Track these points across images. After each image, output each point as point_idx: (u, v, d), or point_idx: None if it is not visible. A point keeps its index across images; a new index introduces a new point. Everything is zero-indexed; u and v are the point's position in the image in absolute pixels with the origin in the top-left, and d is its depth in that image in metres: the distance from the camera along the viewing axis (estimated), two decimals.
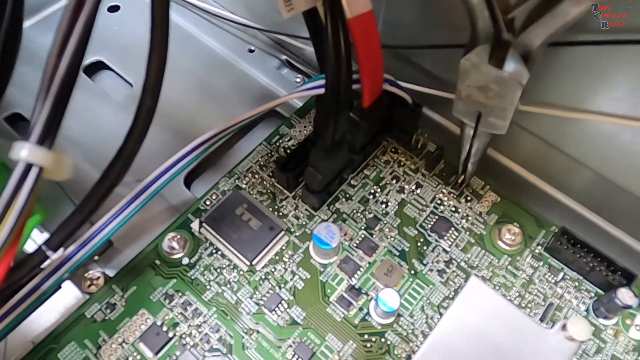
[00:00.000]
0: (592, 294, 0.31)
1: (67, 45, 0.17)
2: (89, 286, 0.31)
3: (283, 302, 0.30)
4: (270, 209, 0.33)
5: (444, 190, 0.34)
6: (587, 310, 0.30)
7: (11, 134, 0.38)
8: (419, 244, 0.32)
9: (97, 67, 0.43)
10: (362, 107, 0.30)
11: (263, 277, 0.31)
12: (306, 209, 0.33)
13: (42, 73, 0.18)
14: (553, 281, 0.31)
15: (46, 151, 0.17)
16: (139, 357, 0.28)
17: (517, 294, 0.31)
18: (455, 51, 0.31)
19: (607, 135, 0.28)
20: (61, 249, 0.26)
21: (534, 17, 0.22)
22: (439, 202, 0.34)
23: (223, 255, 0.31)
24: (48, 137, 0.18)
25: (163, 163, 0.31)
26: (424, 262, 0.31)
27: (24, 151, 0.17)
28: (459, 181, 0.34)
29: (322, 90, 0.29)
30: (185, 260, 0.31)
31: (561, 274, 0.31)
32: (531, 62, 0.23)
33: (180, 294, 0.30)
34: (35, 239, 0.32)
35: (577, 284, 0.31)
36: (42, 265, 0.27)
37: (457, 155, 0.32)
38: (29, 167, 0.17)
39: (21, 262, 0.25)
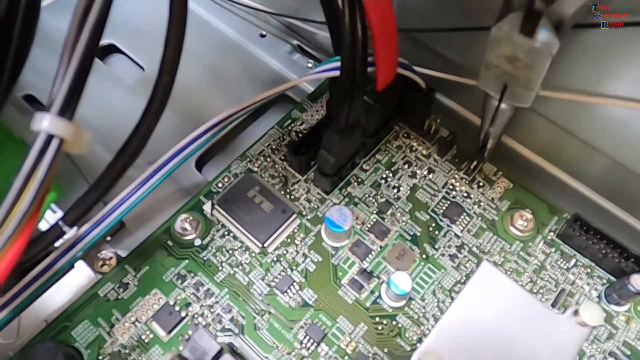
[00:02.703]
0: (605, 281, 0.31)
1: (87, 17, 0.17)
2: (102, 266, 0.31)
3: (295, 284, 0.30)
4: (282, 192, 0.33)
5: (456, 176, 0.34)
6: (599, 297, 0.30)
7: (28, 111, 0.38)
8: (430, 229, 0.32)
9: (109, 50, 0.43)
10: (376, 90, 0.30)
11: (275, 259, 0.31)
12: (318, 193, 0.33)
13: (63, 45, 0.18)
14: (565, 267, 0.31)
15: (67, 123, 0.17)
16: (151, 335, 0.28)
17: (529, 280, 0.31)
18: (470, 35, 0.31)
19: (624, 120, 0.28)
20: (75, 227, 0.26)
21: None
22: (451, 187, 0.34)
23: (235, 237, 0.31)
24: (69, 109, 0.18)
25: (175, 145, 0.31)
26: (436, 246, 0.31)
27: (45, 122, 0.17)
28: (472, 167, 0.34)
29: (336, 73, 0.29)
30: (198, 242, 0.31)
31: (573, 261, 0.31)
32: (562, 32, 0.22)
33: (192, 274, 0.30)
34: (48, 218, 0.32)
35: (589, 270, 0.31)
36: (56, 244, 0.28)
37: (472, 138, 0.31)
38: (50, 138, 0.17)
39: (38, 237, 0.25)
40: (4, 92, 0.17)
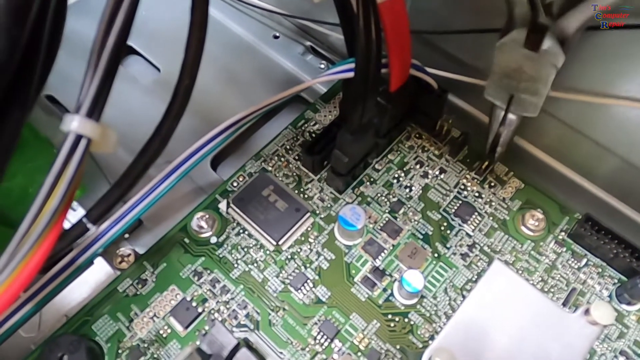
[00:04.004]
0: (616, 280, 0.31)
1: (114, 21, 0.18)
2: (120, 262, 0.32)
3: (308, 281, 0.30)
4: (296, 191, 0.34)
5: (468, 176, 0.34)
6: (610, 296, 0.30)
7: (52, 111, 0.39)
8: (442, 228, 0.32)
9: (125, 52, 0.44)
10: (389, 91, 0.31)
11: (289, 256, 0.31)
12: (331, 192, 0.34)
13: (90, 49, 0.18)
14: (576, 267, 0.31)
15: (94, 123, 0.18)
16: (169, 330, 0.29)
17: (540, 279, 0.31)
18: (482, 37, 0.32)
19: (635, 120, 0.28)
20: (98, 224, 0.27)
21: (572, 2, 0.22)
22: (462, 187, 0.34)
23: (250, 235, 0.32)
24: (96, 110, 0.18)
25: (191, 146, 0.32)
26: (448, 245, 0.32)
27: (75, 123, 0.18)
28: (483, 167, 0.34)
29: (350, 74, 0.30)
30: (214, 239, 0.32)
31: (584, 260, 0.31)
32: (567, 45, 0.23)
33: (208, 271, 0.31)
34: (67, 216, 0.33)
35: (600, 270, 0.31)
36: (77, 241, 0.28)
37: (483, 140, 0.32)
38: (78, 138, 0.18)
39: (62, 234, 0.26)
40: (35, 91, 0.18)
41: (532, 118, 0.32)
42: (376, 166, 0.35)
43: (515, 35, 0.24)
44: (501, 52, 0.25)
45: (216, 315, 0.29)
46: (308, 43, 0.43)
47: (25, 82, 0.17)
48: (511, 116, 0.29)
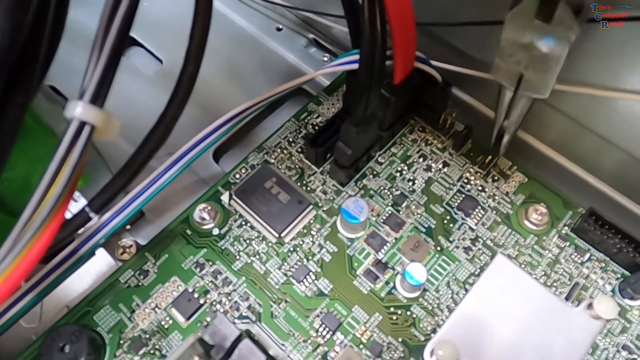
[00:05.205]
0: (619, 275, 0.31)
1: (119, 5, 0.18)
2: (122, 254, 0.32)
3: (311, 273, 0.30)
4: (299, 184, 0.34)
5: (471, 170, 0.34)
6: (613, 291, 0.30)
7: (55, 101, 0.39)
8: (445, 222, 0.32)
9: (128, 43, 0.43)
10: (393, 83, 0.30)
11: (291, 249, 0.31)
12: (334, 185, 0.34)
13: (95, 34, 0.18)
14: (579, 261, 0.31)
15: (98, 110, 0.18)
16: (171, 321, 0.29)
17: (543, 273, 0.31)
18: (486, 30, 0.31)
19: None
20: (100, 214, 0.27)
21: None
22: (465, 181, 0.34)
23: (252, 227, 0.32)
24: (99, 97, 0.18)
25: (193, 137, 0.32)
26: (450, 239, 0.32)
27: (78, 109, 0.18)
28: (487, 161, 0.34)
29: (354, 66, 0.29)
30: (216, 231, 0.32)
31: (588, 255, 0.31)
32: (582, 16, 0.21)
33: (210, 263, 0.31)
34: (69, 207, 0.33)
35: (603, 264, 0.31)
36: (79, 231, 0.28)
37: (487, 133, 0.32)
38: (82, 125, 0.18)
39: (65, 222, 0.26)
40: (39, 77, 0.18)
41: (536, 112, 0.31)
42: (379, 159, 0.35)
43: (527, 4, 0.22)
44: (511, 24, 0.23)
45: (218, 306, 0.29)
46: (311, 36, 0.43)
47: (28, 66, 0.17)
48: (520, 98, 0.27)
